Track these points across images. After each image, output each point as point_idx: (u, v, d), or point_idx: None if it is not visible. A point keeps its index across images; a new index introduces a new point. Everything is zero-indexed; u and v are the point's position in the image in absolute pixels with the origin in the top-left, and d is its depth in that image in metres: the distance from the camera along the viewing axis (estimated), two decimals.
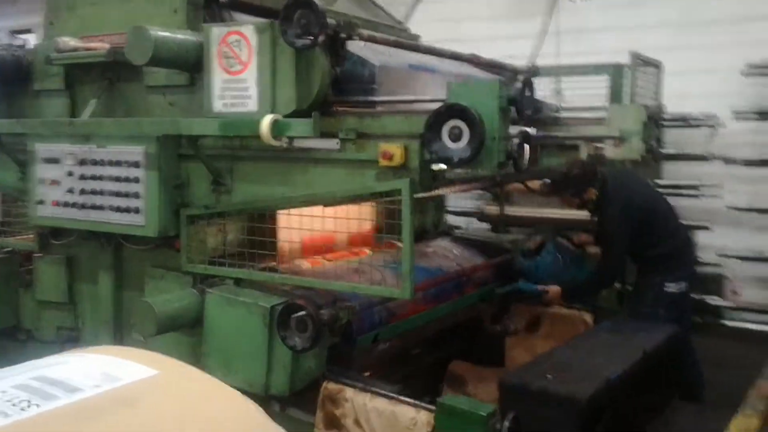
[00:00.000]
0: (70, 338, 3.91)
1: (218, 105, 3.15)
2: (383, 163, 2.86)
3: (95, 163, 3.52)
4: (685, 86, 6.35)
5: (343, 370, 3.21)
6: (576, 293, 4.28)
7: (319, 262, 3.89)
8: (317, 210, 3.49)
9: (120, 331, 3.77)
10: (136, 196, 3.40)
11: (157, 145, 3.35)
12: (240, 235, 3.52)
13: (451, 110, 2.66)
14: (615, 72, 5.34)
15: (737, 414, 2.57)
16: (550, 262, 4.22)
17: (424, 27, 5.06)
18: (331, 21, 2.89)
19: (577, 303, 4.28)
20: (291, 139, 3.03)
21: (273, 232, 3.51)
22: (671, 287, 4.12)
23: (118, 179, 3.44)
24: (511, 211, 5.97)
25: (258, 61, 3.03)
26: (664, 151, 6.24)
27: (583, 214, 4.58)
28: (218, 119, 3.11)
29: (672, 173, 6.67)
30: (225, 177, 3.34)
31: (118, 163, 3.45)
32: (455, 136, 2.67)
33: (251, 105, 3.07)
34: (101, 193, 3.50)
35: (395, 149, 2.83)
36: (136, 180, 3.39)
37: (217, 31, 3.11)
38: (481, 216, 6.58)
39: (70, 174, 3.60)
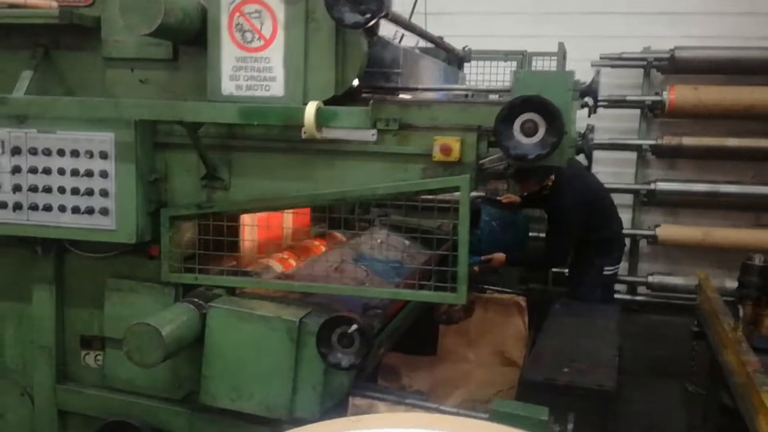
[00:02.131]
0: None
1: (229, 87, 2.66)
2: (438, 157, 2.62)
3: (36, 152, 2.79)
4: None
5: (367, 383, 2.94)
6: (521, 265, 4.41)
7: (288, 262, 3.52)
8: None
9: (63, 358, 3.08)
10: (104, 194, 2.76)
11: (133, 131, 2.75)
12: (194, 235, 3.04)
13: (528, 103, 2.50)
14: (523, 60, 5.49)
15: (761, 392, 2.79)
16: (488, 232, 4.26)
17: None
18: None
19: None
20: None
21: (233, 230, 3.10)
22: (608, 270, 4.37)
23: (74, 173, 2.77)
24: None
25: (286, 38, 2.60)
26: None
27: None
28: (235, 104, 2.62)
29: None
30: (221, 170, 2.84)
31: (75, 153, 2.77)
32: (529, 131, 2.53)
33: (275, 89, 2.63)
34: (47, 190, 2.80)
35: (453, 143, 2.61)
36: (104, 174, 2.75)
37: None
38: None
39: None
